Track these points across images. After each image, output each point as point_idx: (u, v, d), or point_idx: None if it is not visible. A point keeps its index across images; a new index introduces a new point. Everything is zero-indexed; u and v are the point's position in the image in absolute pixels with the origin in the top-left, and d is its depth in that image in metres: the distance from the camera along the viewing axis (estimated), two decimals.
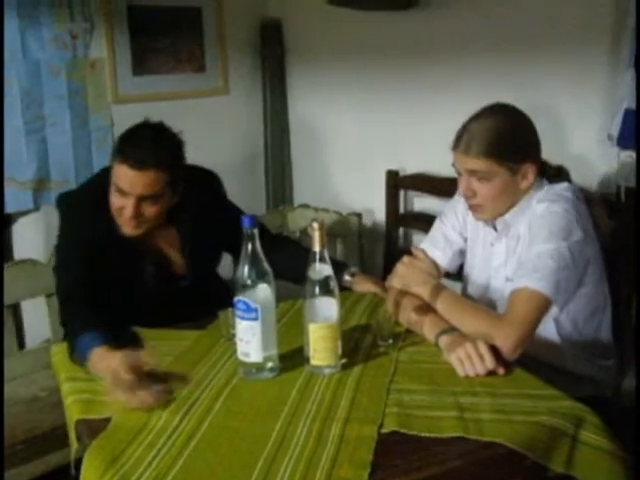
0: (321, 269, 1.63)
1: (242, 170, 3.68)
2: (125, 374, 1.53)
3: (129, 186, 1.87)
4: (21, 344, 2.85)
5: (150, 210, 1.93)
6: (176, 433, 1.42)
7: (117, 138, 1.97)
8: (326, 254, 1.63)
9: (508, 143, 1.82)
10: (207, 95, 3.46)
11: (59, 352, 1.86)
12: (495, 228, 1.95)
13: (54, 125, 2.90)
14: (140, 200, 1.90)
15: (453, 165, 1.90)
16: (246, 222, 1.60)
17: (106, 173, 2.00)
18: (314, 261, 1.63)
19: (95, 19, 2.98)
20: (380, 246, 3.23)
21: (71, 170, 2.98)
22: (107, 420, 1.50)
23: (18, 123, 2.81)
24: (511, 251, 1.91)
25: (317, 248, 1.62)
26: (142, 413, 1.50)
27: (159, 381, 1.59)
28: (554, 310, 1.76)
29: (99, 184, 1.99)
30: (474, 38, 2.71)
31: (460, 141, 1.85)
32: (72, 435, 1.59)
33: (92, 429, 1.48)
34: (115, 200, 1.93)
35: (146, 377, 1.57)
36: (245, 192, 3.56)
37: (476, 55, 2.73)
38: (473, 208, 1.92)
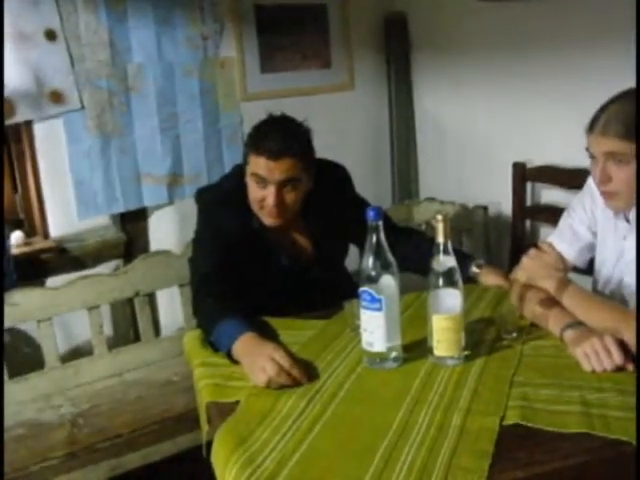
0: (445, 260, 1.64)
1: (369, 164, 3.71)
2: (283, 359, 1.62)
3: (269, 174, 1.95)
4: (157, 331, 3.01)
5: (290, 196, 1.99)
6: (301, 418, 1.47)
7: (247, 134, 2.05)
8: (450, 246, 1.64)
9: None
10: (333, 91, 3.52)
11: (192, 339, 1.95)
12: (628, 220, 1.89)
13: (187, 123, 3.04)
14: (281, 187, 1.97)
15: (587, 149, 1.84)
16: (371, 214, 1.62)
17: (239, 169, 2.09)
18: (438, 253, 1.64)
19: (224, 20, 3.09)
20: (506, 239, 3.18)
21: (203, 166, 3.12)
22: (236, 404, 1.57)
23: (154, 122, 2.96)
24: None
25: (441, 239, 1.63)
26: (270, 397, 1.56)
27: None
28: None
29: (234, 180, 2.09)
30: (603, 25, 2.63)
31: (597, 123, 1.78)
32: (203, 417, 1.67)
33: (222, 412, 1.55)
34: (256, 192, 2.00)
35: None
36: (372, 186, 3.61)
37: (605, 42, 2.64)
38: (607, 195, 1.84)
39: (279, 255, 2.12)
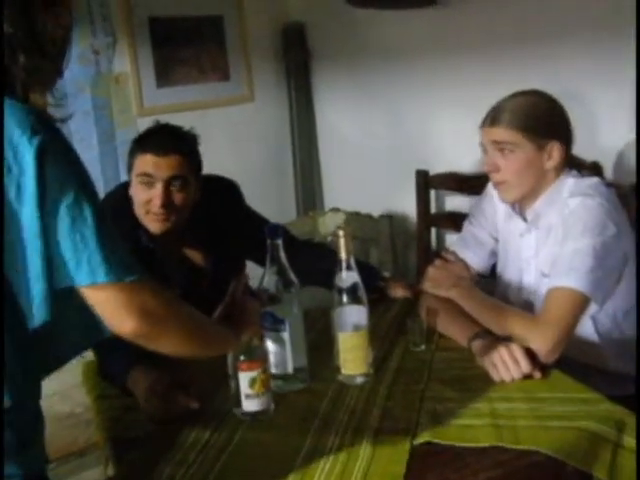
0: (348, 276, 1.61)
1: (271, 176, 3.66)
2: (161, 389, 1.55)
3: (155, 170, 1.88)
4: None
5: (178, 197, 1.91)
6: (206, 448, 1.41)
7: (132, 141, 1.99)
8: (352, 261, 1.61)
9: (535, 116, 1.80)
10: (232, 103, 3.44)
11: (89, 369, 1.86)
12: (525, 219, 1.91)
13: (81, 141, 2.91)
14: (168, 185, 1.89)
15: (480, 145, 1.88)
16: (269, 233, 1.57)
17: (122, 186, 2.02)
18: (340, 269, 1.60)
19: (117, 33, 2.98)
20: (413, 248, 3.19)
21: (100, 184, 3.00)
22: (138, 438, 1.49)
23: None
24: (541, 243, 1.86)
25: (343, 255, 1.60)
26: (172, 430, 1.48)
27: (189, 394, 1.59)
28: (592, 308, 1.71)
29: (117, 196, 2.01)
30: (499, 32, 2.67)
31: (487, 116, 1.85)
32: (104, 454, 1.59)
33: (124, 448, 1.47)
34: (142, 194, 1.91)
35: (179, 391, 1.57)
36: (275, 198, 3.57)
37: (503, 49, 2.68)
38: (497, 186, 1.89)
39: (172, 272, 2.01)
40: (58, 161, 1.03)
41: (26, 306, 1.05)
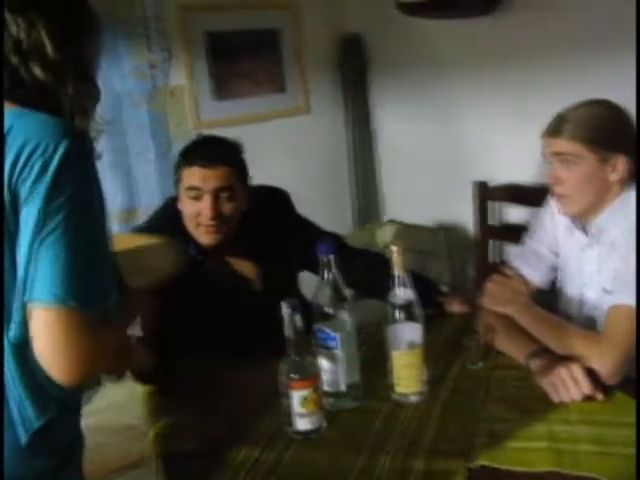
0: (403, 293, 1.57)
1: (328, 188, 3.65)
2: None
3: (203, 182, 1.88)
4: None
5: (227, 207, 1.91)
6: (257, 466, 1.39)
7: (178, 154, 2.00)
8: (407, 278, 1.57)
9: (600, 127, 1.74)
10: (289, 115, 3.45)
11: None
12: (586, 233, 1.84)
13: (138, 155, 2.95)
14: (216, 196, 1.89)
15: (542, 155, 1.82)
16: (322, 248, 1.55)
17: (170, 201, 2.02)
18: (395, 285, 1.57)
19: (173, 48, 3.01)
20: (471, 261, 3.13)
21: (157, 198, 3.02)
22: (189, 454, 1.48)
23: (102, 155, 2.86)
24: (604, 258, 1.79)
25: (398, 272, 1.57)
26: (223, 447, 1.47)
27: None
28: None
29: (166, 211, 2.02)
30: (559, 40, 2.62)
31: (550, 126, 1.79)
32: (157, 468, 1.59)
33: (174, 463, 1.47)
34: (191, 207, 1.92)
35: None
36: (332, 210, 3.55)
37: (564, 57, 2.63)
38: (559, 199, 1.83)
39: (221, 284, 2.00)
40: (75, 178, 1.04)
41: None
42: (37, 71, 1.09)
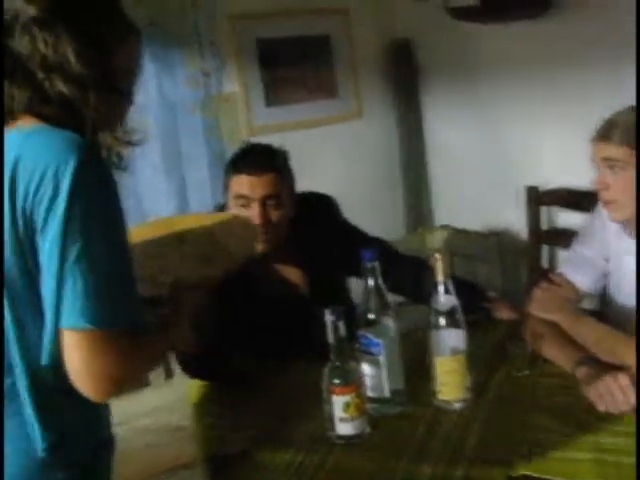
0: (446, 300, 1.57)
1: (380, 193, 3.65)
2: None
3: (251, 190, 1.91)
4: (168, 373, 2.95)
5: (275, 215, 1.94)
6: (300, 470, 1.41)
7: (225, 164, 2.04)
8: (450, 284, 1.57)
9: None
10: (340, 120, 3.46)
11: (194, 387, 1.90)
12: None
13: (191, 161, 3.00)
14: (264, 203, 1.92)
15: (591, 160, 1.80)
16: (366, 256, 1.56)
17: (220, 208, 2.05)
18: (438, 292, 1.57)
19: (225, 55, 3.06)
20: (523, 266, 3.10)
21: (209, 203, 3.07)
22: (234, 457, 1.51)
23: (157, 162, 2.93)
24: None
25: (441, 278, 1.57)
26: (266, 450, 1.50)
27: None
28: None
29: None
30: (613, 43, 2.57)
31: (599, 131, 1.76)
32: (203, 471, 1.62)
33: (220, 465, 1.52)
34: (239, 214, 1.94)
35: None
36: (384, 215, 3.56)
37: (618, 61, 2.58)
38: (606, 204, 1.80)
39: (268, 290, 2.02)
40: (89, 199, 1.03)
41: (36, 342, 1.06)
42: (60, 85, 1.08)
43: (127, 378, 1.10)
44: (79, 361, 1.03)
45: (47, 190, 1.01)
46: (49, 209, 1.01)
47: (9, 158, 1.03)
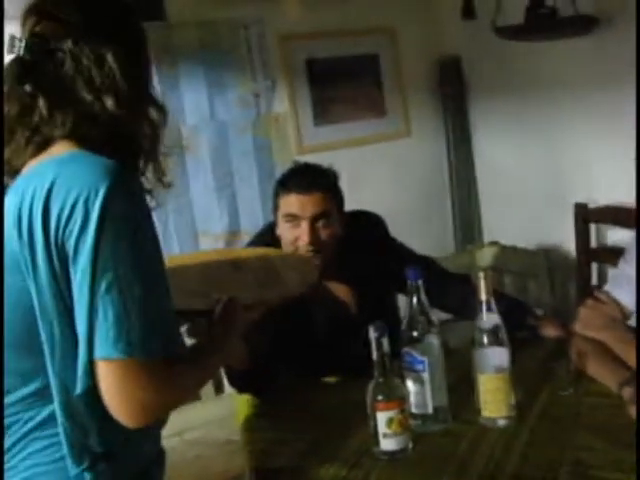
0: (489, 318, 1.59)
1: (429, 210, 3.68)
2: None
3: (301, 209, 1.95)
4: (219, 388, 3.01)
5: (325, 233, 1.97)
6: None
7: (276, 181, 2.08)
8: (493, 303, 1.59)
9: None
10: (389, 139, 3.50)
11: (241, 402, 1.95)
12: None
13: (242, 180, 3.08)
14: (313, 222, 1.95)
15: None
16: (410, 274, 1.59)
17: (268, 227, 2.10)
18: (481, 310, 1.59)
19: (275, 76, 3.13)
20: (572, 283, 3.08)
21: (260, 220, 3.13)
22: (281, 470, 1.55)
23: (209, 181, 3.01)
24: None
25: (484, 297, 1.59)
26: (312, 465, 1.53)
27: None
28: None
29: (264, 237, 2.09)
30: None
31: None
32: None
33: (267, 478, 1.55)
34: (289, 233, 1.98)
35: None
36: (433, 232, 3.58)
37: None
38: None
39: (316, 308, 2.05)
40: (119, 227, 1.02)
41: (66, 372, 1.05)
42: (111, 105, 1.07)
43: (163, 406, 1.10)
44: (114, 391, 1.03)
45: (77, 219, 1.00)
46: (79, 238, 1.00)
47: (43, 186, 1.02)
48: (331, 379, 1.96)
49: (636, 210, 1.70)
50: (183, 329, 1.39)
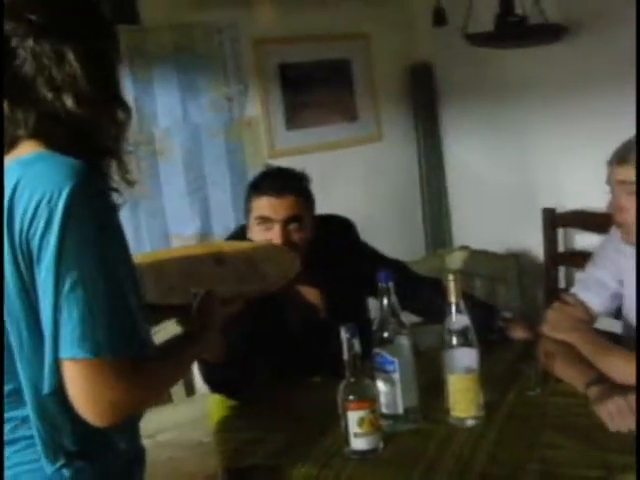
0: (458, 320, 1.62)
1: (399, 214, 3.70)
2: None
3: (273, 212, 1.96)
4: (190, 389, 3.00)
5: (296, 236, 1.99)
6: None
7: (247, 186, 2.09)
8: (462, 304, 1.62)
9: None
10: (360, 143, 3.52)
11: (214, 402, 1.96)
12: None
13: (215, 183, 3.08)
14: (285, 225, 1.97)
15: (607, 182, 1.83)
16: (381, 277, 1.62)
17: (240, 230, 2.11)
18: (451, 312, 1.62)
19: (248, 80, 3.14)
20: (541, 287, 3.13)
21: (231, 223, 3.14)
22: (252, 468, 1.57)
23: (181, 183, 3.01)
24: None
25: (453, 299, 1.62)
26: (285, 464, 1.54)
27: None
28: None
29: (237, 239, 2.09)
30: (626, 64, 2.60)
31: (616, 154, 1.79)
32: None
33: (237, 477, 1.58)
34: (260, 236, 1.98)
35: None
36: (403, 236, 3.60)
37: (633, 81, 2.61)
38: (620, 227, 1.83)
39: (286, 310, 2.07)
40: (83, 225, 1.01)
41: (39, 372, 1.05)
42: (71, 104, 1.07)
43: (131, 405, 1.09)
44: (81, 390, 1.03)
45: (41, 219, 1.00)
46: (43, 238, 1.00)
47: (6, 187, 1.02)
48: (316, 379, 1.97)
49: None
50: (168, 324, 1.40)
